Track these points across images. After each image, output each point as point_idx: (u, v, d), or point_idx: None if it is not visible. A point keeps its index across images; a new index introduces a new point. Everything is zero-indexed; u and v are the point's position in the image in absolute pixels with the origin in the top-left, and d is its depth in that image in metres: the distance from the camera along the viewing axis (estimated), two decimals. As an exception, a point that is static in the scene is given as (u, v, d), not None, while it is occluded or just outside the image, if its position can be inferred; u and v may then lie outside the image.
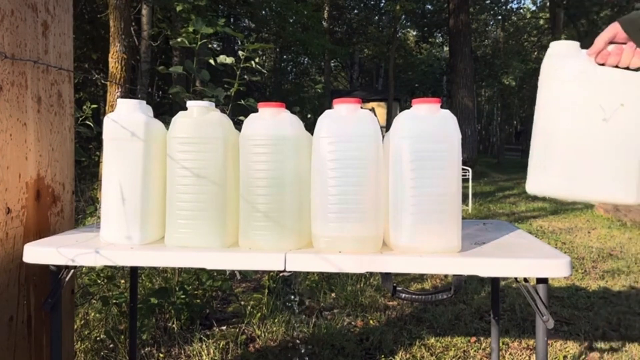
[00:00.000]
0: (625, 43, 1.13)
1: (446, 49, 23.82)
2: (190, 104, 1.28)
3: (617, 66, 1.14)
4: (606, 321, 2.73)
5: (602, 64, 1.15)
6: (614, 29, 1.14)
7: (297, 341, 2.40)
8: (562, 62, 1.17)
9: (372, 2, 22.13)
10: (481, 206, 7.60)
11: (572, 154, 1.14)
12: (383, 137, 1.23)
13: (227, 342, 2.37)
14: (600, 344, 2.44)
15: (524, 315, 2.79)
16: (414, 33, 25.80)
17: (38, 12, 1.44)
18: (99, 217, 1.37)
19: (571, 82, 1.15)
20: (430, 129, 1.17)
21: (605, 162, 1.12)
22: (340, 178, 1.17)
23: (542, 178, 1.17)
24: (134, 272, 1.81)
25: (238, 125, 1.33)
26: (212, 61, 2.69)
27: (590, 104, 1.12)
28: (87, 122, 2.53)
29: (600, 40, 1.14)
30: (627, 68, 1.13)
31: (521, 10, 26.67)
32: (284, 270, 1.17)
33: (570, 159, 1.14)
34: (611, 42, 1.15)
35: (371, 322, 2.73)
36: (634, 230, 5.43)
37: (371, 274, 3.19)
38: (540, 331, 1.13)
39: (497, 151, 22.93)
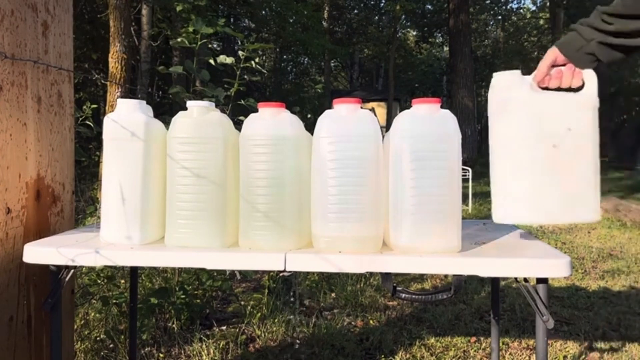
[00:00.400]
0: (564, 65, 1.20)
1: (446, 49, 23.81)
2: (190, 104, 1.28)
3: (559, 88, 1.20)
4: (606, 321, 2.73)
5: (546, 88, 1.20)
6: (553, 53, 1.21)
7: (297, 341, 2.40)
8: (508, 94, 1.20)
9: (372, 2, 22.12)
10: (481, 206, 7.59)
11: (531, 182, 1.17)
12: (383, 137, 1.23)
13: (227, 342, 2.37)
14: (600, 344, 2.44)
15: (524, 315, 2.79)
16: (414, 33, 25.79)
17: (38, 12, 1.44)
18: (99, 217, 1.37)
19: (518, 112, 1.18)
20: (430, 129, 1.17)
21: (562, 185, 1.16)
22: (340, 178, 1.17)
23: (507, 207, 1.20)
24: (134, 272, 1.81)
25: (238, 125, 1.33)
26: (212, 61, 2.69)
27: (539, 131, 1.16)
28: (87, 122, 2.53)
29: (543, 65, 1.21)
30: (569, 89, 1.19)
31: (521, 10, 26.66)
32: (284, 270, 1.16)
33: (530, 186, 1.17)
34: (553, 66, 1.21)
35: (371, 322, 2.73)
36: (634, 230, 5.43)
37: (371, 274, 3.19)
38: (540, 331, 1.13)
39: (497, 151, 22.87)
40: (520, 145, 1.17)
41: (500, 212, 1.22)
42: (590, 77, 1.19)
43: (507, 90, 1.20)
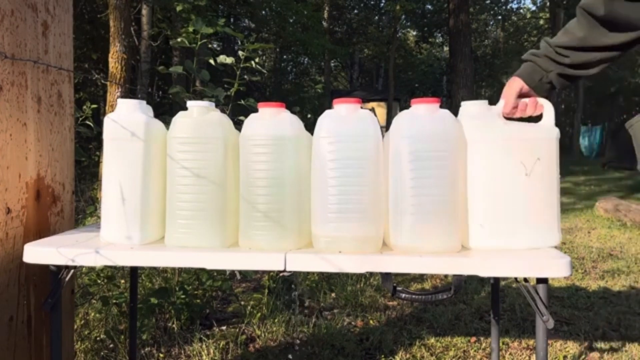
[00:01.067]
0: (526, 94, 1.32)
1: (446, 49, 23.80)
2: (190, 104, 1.28)
3: (520, 118, 1.31)
4: (606, 321, 2.73)
5: (509, 118, 1.29)
6: (517, 84, 1.32)
7: (297, 341, 2.40)
8: (477, 124, 1.23)
9: (372, 2, 22.12)
10: (481, 206, 7.59)
11: (502, 209, 1.21)
12: (383, 137, 1.23)
13: (227, 342, 2.37)
14: (600, 344, 2.44)
15: (524, 315, 2.79)
16: (414, 33, 25.79)
17: (38, 12, 1.44)
18: (99, 217, 1.38)
19: (487, 143, 1.22)
20: (429, 129, 1.17)
21: (532, 211, 1.22)
22: (340, 178, 1.17)
23: (482, 235, 1.22)
24: (134, 272, 1.81)
25: (238, 125, 1.33)
26: (212, 61, 2.69)
27: (509, 161, 1.21)
28: (87, 122, 2.53)
29: (511, 97, 1.31)
30: (529, 118, 1.29)
31: (521, 10, 26.67)
32: (284, 270, 1.17)
33: (503, 214, 1.21)
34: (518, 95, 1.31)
35: (371, 322, 2.73)
36: (634, 230, 5.43)
37: (371, 274, 3.19)
38: (540, 331, 1.13)
39: (497, 151, 22.87)
40: (492, 175, 1.21)
41: (474, 239, 1.23)
42: (549, 108, 1.28)
43: (476, 120, 1.24)
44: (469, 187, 1.22)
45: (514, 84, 1.32)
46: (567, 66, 1.27)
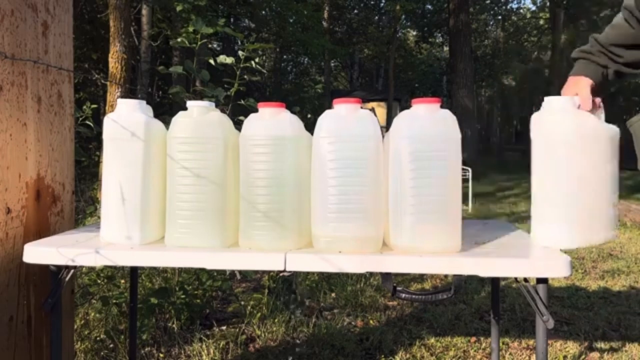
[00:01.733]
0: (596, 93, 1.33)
1: (446, 49, 23.80)
2: (190, 104, 1.28)
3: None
4: (606, 321, 2.73)
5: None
6: (586, 80, 1.33)
7: (297, 341, 2.40)
8: (559, 118, 1.23)
9: (372, 2, 22.10)
10: (481, 206, 7.60)
11: (571, 207, 1.21)
12: (383, 137, 1.23)
13: (227, 342, 2.37)
14: (600, 344, 2.44)
15: (524, 315, 2.79)
16: (414, 33, 25.77)
17: (38, 12, 1.44)
18: (99, 217, 1.37)
19: (568, 137, 1.21)
20: (430, 129, 1.17)
21: (596, 209, 1.22)
22: (340, 178, 1.17)
23: (546, 230, 1.24)
24: (134, 272, 1.81)
25: (238, 125, 1.33)
26: (212, 61, 2.69)
27: (584, 158, 1.21)
28: (87, 122, 2.53)
29: (586, 94, 1.32)
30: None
31: (521, 10, 26.65)
32: (284, 270, 1.17)
33: (569, 211, 1.21)
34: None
35: (371, 322, 2.73)
36: (634, 230, 5.43)
37: (371, 274, 3.19)
38: (540, 331, 1.13)
39: (497, 151, 22.92)
40: (565, 170, 1.21)
41: (539, 234, 1.25)
42: (602, 107, 1.31)
43: (559, 113, 1.23)
44: (541, 182, 1.23)
45: (583, 81, 1.32)
46: (622, 64, 1.29)
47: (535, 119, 1.28)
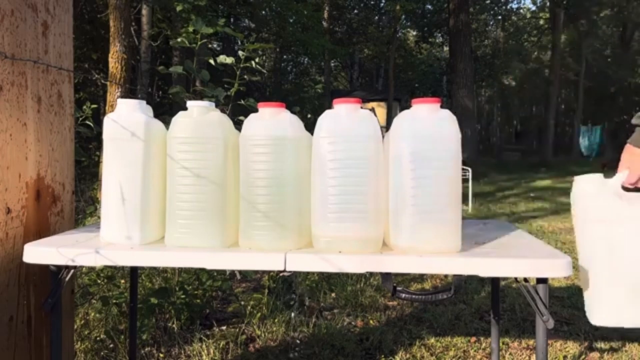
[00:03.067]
0: None
1: (446, 49, 23.79)
2: (190, 104, 1.28)
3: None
4: (606, 321, 2.73)
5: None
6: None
7: (297, 341, 2.40)
8: (593, 202, 1.21)
9: (372, 2, 22.10)
10: (481, 206, 7.60)
11: (627, 285, 1.18)
12: (383, 137, 1.23)
13: (227, 342, 2.37)
14: (600, 344, 2.44)
15: (524, 315, 2.79)
16: (414, 33, 25.76)
17: (38, 12, 1.44)
18: (99, 217, 1.37)
19: (606, 219, 1.19)
20: (430, 129, 1.17)
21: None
22: (340, 178, 1.17)
23: (604, 311, 1.21)
24: (134, 272, 1.81)
25: (238, 125, 1.33)
26: (212, 61, 2.69)
27: (627, 235, 1.17)
28: (87, 122, 2.53)
29: (638, 167, 1.27)
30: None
31: (521, 10, 26.66)
32: (284, 270, 1.17)
33: (626, 290, 1.18)
34: None
35: (371, 322, 2.73)
36: (634, 230, 5.42)
37: (371, 274, 3.19)
38: (540, 331, 1.13)
39: (497, 151, 22.93)
40: (612, 251, 1.19)
41: (596, 315, 1.22)
42: None
43: (592, 196, 1.21)
44: (590, 265, 1.21)
45: (638, 152, 1.28)
46: None
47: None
